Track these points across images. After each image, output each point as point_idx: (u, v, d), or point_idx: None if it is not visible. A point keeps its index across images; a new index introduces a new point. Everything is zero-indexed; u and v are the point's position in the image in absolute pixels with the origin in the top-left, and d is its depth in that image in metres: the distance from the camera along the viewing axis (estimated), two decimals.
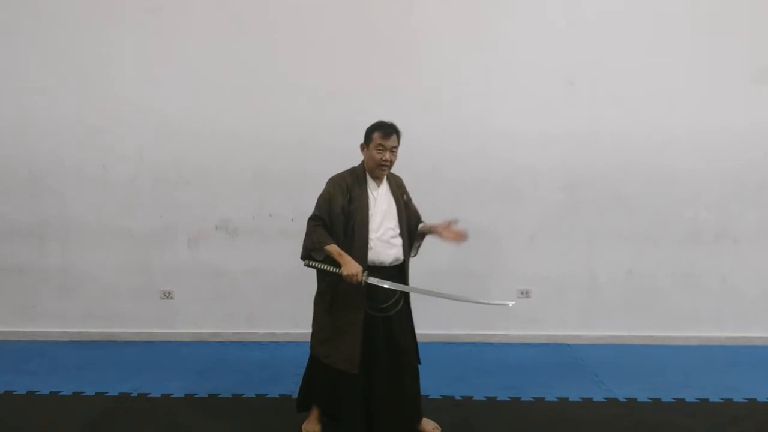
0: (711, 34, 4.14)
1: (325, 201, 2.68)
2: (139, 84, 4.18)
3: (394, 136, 2.69)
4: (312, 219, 2.68)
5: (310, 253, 2.64)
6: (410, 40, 4.14)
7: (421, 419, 2.85)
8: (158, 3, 4.15)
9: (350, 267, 2.55)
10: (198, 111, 4.19)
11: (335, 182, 2.73)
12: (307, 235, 2.67)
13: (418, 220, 2.92)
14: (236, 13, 4.15)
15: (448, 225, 2.78)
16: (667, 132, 4.19)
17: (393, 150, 2.70)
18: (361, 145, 2.76)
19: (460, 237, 2.77)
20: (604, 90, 4.17)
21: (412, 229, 2.85)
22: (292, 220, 4.23)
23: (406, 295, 2.81)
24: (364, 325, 2.64)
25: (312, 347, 2.80)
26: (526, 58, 4.16)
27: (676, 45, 4.15)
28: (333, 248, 2.60)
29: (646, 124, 4.18)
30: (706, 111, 4.17)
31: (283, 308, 4.28)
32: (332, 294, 2.67)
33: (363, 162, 2.78)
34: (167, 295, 4.33)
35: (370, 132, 2.72)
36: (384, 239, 2.67)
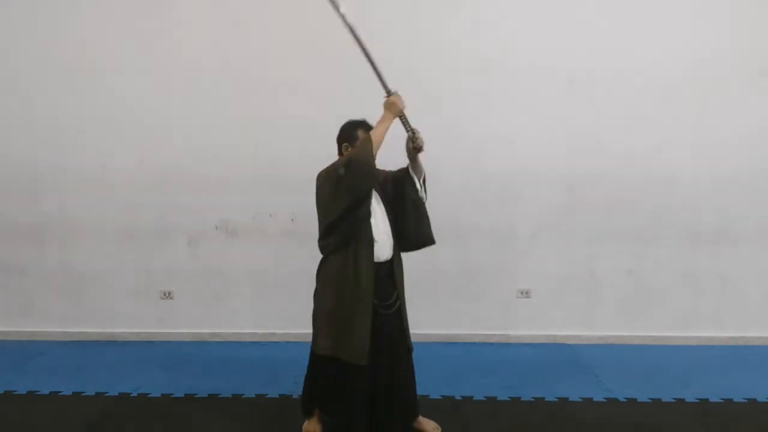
0: (711, 33, 4.14)
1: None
2: (139, 84, 4.18)
3: None
4: (335, 167, 2.55)
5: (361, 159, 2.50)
6: (410, 39, 4.13)
7: (417, 414, 2.86)
8: (159, 3, 4.15)
9: (394, 108, 2.58)
10: (198, 111, 4.19)
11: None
12: (352, 162, 2.50)
13: (404, 171, 2.82)
14: (236, 13, 4.15)
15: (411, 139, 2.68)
16: (667, 132, 4.19)
17: None
18: (345, 145, 2.73)
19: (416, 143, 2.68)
20: (604, 90, 4.17)
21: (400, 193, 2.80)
22: (292, 220, 4.24)
23: (400, 292, 2.80)
24: (372, 319, 2.61)
25: (316, 345, 2.73)
26: (526, 58, 4.16)
27: (676, 45, 4.14)
28: (376, 132, 2.54)
29: (646, 124, 4.18)
30: (706, 111, 4.17)
31: (283, 308, 4.28)
32: (338, 285, 2.62)
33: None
34: (167, 295, 4.33)
35: (352, 130, 2.71)
36: (386, 233, 2.68)
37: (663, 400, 3.29)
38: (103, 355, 4.01)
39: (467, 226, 4.24)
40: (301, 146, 4.16)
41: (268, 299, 4.31)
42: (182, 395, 3.33)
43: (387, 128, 2.58)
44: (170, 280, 4.31)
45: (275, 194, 4.23)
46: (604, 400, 3.30)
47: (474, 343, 4.28)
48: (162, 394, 3.34)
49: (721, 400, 3.29)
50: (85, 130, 4.21)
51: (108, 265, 4.29)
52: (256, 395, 3.33)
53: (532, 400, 3.29)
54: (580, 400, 3.30)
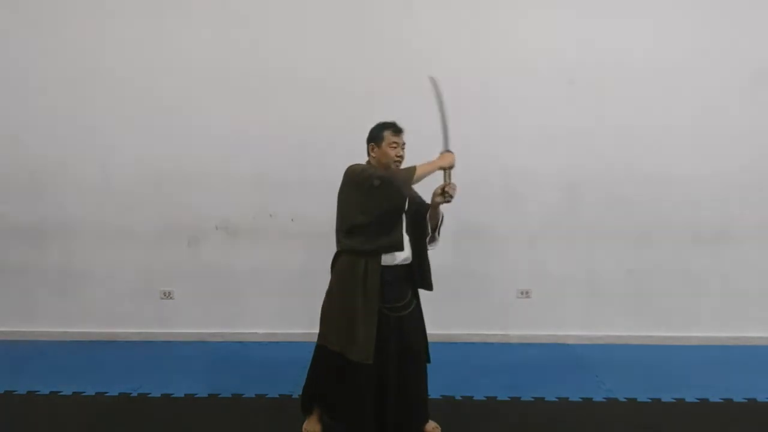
0: (711, 33, 4.14)
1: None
2: (139, 84, 4.18)
3: (402, 133, 2.73)
4: (377, 175, 2.55)
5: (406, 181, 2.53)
6: (411, 40, 4.14)
7: (427, 420, 2.84)
8: (159, 4, 4.15)
9: (446, 160, 2.66)
10: (198, 111, 4.19)
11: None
12: (390, 180, 2.54)
13: (424, 211, 2.82)
14: (236, 12, 4.15)
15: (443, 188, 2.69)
16: (667, 132, 4.19)
17: (403, 146, 2.73)
18: (371, 145, 2.73)
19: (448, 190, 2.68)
20: (604, 90, 4.17)
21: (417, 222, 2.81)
22: (292, 220, 4.24)
23: (417, 295, 2.81)
24: (378, 321, 2.60)
25: (327, 340, 2.69)
26: (526, 58, 4.16)
27: (676, 45, 4.15)
28: (422, 168, 2.57)
29: (646, 124, 4.19)
30: (706, 111, 4.18)
31: (283, 308, 4.28)
32: (348, 283, 2.62)
33: (369, 161, 2.76)
34: (167, 295, 4.33)
35: (379, 131, 2.71)
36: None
37: (663, 400, 3.29)
38: (103, 355, 4.00)
39: (467, 226, 4.24)
40: (301, 146, 4.17)
41: (268, 299, 4.31)
42: (182, 395, 3.33)
43: (432, 171, 2.62)
44: (170, 280, 4.31)
45: (275, 194, 4.23)
46: (604, 400, 3.30)
47: (474, 344, 4.28)
48: (162, 394, 3.33)
49: (721, 400, 3.29)
50: (85, 130, 4.21)
51: (108, 265, 4.29)
52: (256, 395, 3.32)
53: (532, 400, 3.29)
54: (580, 400, 3.30)
